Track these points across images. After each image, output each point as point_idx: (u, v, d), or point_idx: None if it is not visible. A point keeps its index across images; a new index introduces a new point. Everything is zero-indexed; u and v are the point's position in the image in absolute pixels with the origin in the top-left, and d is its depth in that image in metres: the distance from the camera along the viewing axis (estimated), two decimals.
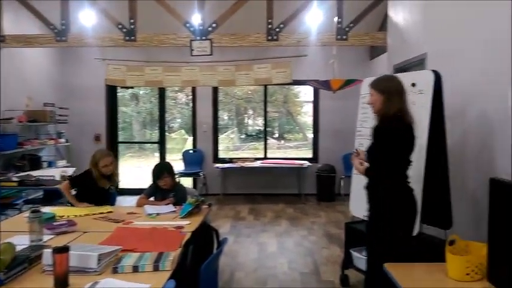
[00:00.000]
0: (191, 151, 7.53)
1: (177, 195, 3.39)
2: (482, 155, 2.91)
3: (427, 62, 3.89)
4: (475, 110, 3.00)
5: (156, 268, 1.96)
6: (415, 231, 2.74)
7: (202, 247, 2.28)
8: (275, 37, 5.35)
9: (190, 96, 7.67)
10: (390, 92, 2.48)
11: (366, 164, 2.60)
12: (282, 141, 11.77)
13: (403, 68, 4.53)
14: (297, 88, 9.73)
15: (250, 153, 9.81)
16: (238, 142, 12.24)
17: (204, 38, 5.40)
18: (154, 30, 5.65)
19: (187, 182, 7.38)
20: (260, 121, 7.98)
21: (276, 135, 12.22)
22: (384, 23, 5.66)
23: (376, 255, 2.54)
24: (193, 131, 7.54)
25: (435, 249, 2.19)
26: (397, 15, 4.75)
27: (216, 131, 7.50)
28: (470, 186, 3.08)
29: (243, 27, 5.52)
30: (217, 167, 6.97)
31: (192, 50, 5.40)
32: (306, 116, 9.56)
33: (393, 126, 2.44)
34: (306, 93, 8.93)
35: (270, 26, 5.34)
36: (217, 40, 5.50)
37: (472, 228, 2.94)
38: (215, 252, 2.27)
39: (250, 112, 12.64)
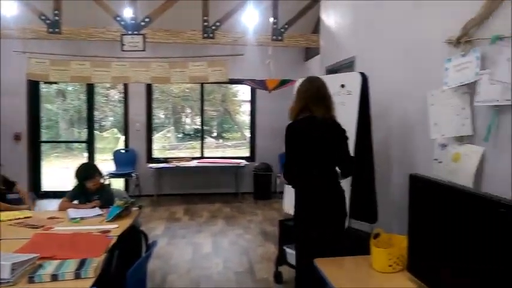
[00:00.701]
0: (123, 151, 7.20)
1: (102, 197, 3.20)
2: (405, 152, 3.10)
3: (356, 64, 4.08)
4: (398, 110, 3.19)
5: (77, 276, 1.85)
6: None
7: (129, 252, 2.17)
8: (211, 35, 5.31)
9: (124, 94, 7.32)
10: (297, 92, 2.62)
11: None
12: (221, 140, 11.71)
13: (335, 69, 4.70)
14: (236, 87, 9.73)
15: (187, 153, 9.63)
16: (175, 141, 11.95)
17: (136, 33, 5.19)
18: (82, 23, 5.33)
19: (118, 184, 7.05)
20: (198, 120, 7.86)
21: (215, 134, 12.12)
22: (317, 26, 5.84)
23: (303, 251, 2.59)
24: (125, 129, 7.21)
25: (362, 243, 2.28)
26: (329, 18, 4.92)
27: (150, 129, 7.24)
28: (394, 181, 3.27)
29: (178, 23, 5.40)
30: (151, 167, 6.72)
31: (123, 45, 5.17)
32: (245, 115, 9.59)
33: (297, 125, 2.53)
34: (244, 92, 8.96)
35: (205, 24, 5.28)
36: (151, 36, 5.33)
37: (396, 221, 3.12)
38: (143, 256, 2.17)
39: (188, 111, 12.40)
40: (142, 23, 5.23)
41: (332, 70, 4.76)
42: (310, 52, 6.76)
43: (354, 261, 2.29)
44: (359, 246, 2.31)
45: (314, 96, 2.53)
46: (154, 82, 5.94)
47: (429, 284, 1.89)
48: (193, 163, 6.93)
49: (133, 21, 5.21)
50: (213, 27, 5.30)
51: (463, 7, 2.29)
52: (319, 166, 2.52)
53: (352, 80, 3.13)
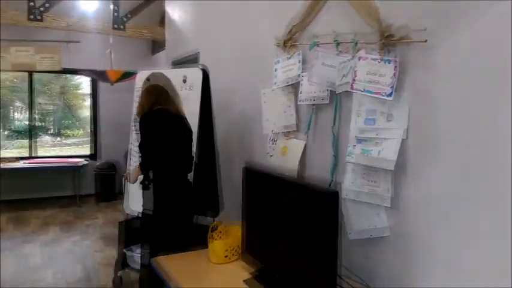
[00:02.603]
0: None
1: None
2: (244, 146, 3.26)
3: (200, 59, 4.11)
4: (238, 105, 3.33)
5: None
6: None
7: None
8: (39, 17, 4.64)
9: None
10: (144, 89, 2.63)
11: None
12: (59, 138, 10.49)
13: (180, 62, 4.65)
14: (78, 79, 8.80)
15: (17, 153, 8.32)
16: (2, 139, 10.22)
17: None
18: None
19: None
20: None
21: (52, 131, 10.78)
22: (164, 18, 5.70)
23: (150, 250, 2.51)
24: None
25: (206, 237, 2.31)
26: (174, 11, 4.85)
27: None
28: (236, 174, 3.41)
29: None
30: None
31: None
32: (89, 110, 8.77)
33: (152, 119, 2.50)
34: (89, 84, 8.18)
35: (32, 4, 4.59)
36: None
37: (238, 212, 3.25)
38: None
39: (18, 104, 10.73)
40: None
41: (177, 63, 4.71)
42: (158, 45, 6.57)
43: (193, 256, 2.30)
44: (202, 240, 2.33)
45: (163, 91, 2.58)
46: None
47: (259, 269, 2.01)
48: (20, 164, 5.99)
49: None
50: (41, 9, 4.65)
51: (291, 11, 2.50)
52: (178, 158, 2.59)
53: (194, 75, 3.14)
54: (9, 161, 6.02)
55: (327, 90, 2.18)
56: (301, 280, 1.70)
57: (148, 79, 2.62)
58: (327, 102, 2.19)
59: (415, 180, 1.73)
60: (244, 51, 3.22)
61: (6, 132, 10.48)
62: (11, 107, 10.85)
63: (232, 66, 3.40)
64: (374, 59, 1.85)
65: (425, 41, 1.66)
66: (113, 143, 6.81)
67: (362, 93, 1.85)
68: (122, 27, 5.14)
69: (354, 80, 1.90)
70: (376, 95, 1.80)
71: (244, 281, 1.95)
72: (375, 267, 1.94)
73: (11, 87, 10.01)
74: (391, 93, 1.75)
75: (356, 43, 1.98)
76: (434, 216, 1.65)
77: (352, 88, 1.90)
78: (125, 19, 5.16)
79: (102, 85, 6.66)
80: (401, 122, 1.76)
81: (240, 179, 3.26)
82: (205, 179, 3.10)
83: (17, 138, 10.20)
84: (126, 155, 6.38)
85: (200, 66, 3.20)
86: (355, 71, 1.91)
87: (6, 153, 8.44)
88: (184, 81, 3.18)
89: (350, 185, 1.97)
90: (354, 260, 2.06)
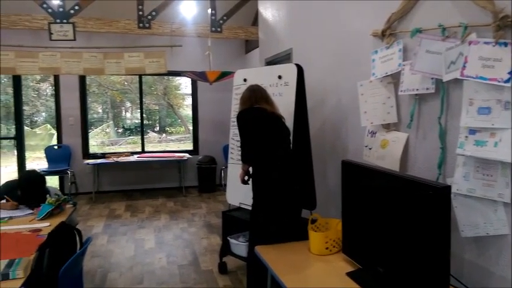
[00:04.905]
0: (56, 147, 6.78)
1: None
2: (339, 140, 3.24)
3: (293, 56, 4.17)
4: (332, 99, 3.31)
5: (5, 277, 1.79)
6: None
7: (62, 250, 2.07)
8: (147, 25, 5.14)
9: None
10: (241, 99, 2.85)
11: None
12: (164, 135, 11.46)
13: (273, 61, 4.77)
14: (178, 80, 9.51)
15: (129, 148, 9.33)
16: (115, 136, 11.52)
17: (65, 21, 4.88)
18: (4, 10, 4.91)
19: (53, 182, 6.65)
20: (139, 114, 7.59)
21: (157, 128, 11.81)
22: (256, 18, 5.88)
23: (257, 240, 2.64)
24: (57, 124, 6.78)
25: (304, 229, 2.37)
26: (267, 11, 4.97)
27: (85, 124, 6.87)
28: (330, 168, 3.41)
29: (111, 12, 5.16)
30: (88, 163, 6.41)
31: (51, 33, 4.85)
32: (188, 109, 9.44)
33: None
34: (187, 85, 8.81)
35: (141, 13, 5.09)
36: (82, 24, 5.05)
37: (333, 206, 3.27)
38: (76, 253, 2.08)
39: (128, 104, 11.96)
40: (72, 11, 4.93)
41: (271, 62, 4.82)
42: (250, 44, 6.80)
43: (293, 246, 2.37)
44: (303, 232, 2.39)
45: (263, 91, 2.80)
46: (87, 73, 5.62)
47: (362, 263, 2.01)
48: (134, 158, 6.71)
49: (61, 9, 4.89)
50: (149, 17, 5.13)
51: (387, 1, 2.42)
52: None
53: (289, 72, 3.20)
54: (125, 155, 6.76)
55: (432, 78, 2.07)
56: (409, 278, 1.65)
57: (244, 91, 2.81)
58: (433, 91, 2.08)
59: None
60: (338, 45, 3.18)
61: (119, 130, 11.79)
62: (123, 107, 12.16)
63: (326, 62, 3.38)
64: (487, 43, 1.71)
65: None
66: (211, 139, 7.25)
67: (474, 80, 1.73)
68: (219, 29, 5.42)
69: (464, 66, 1.78)
70: (491, 82, 1.67)
71: (347, 273, 1.96)
72: (489, 266, 1.81)
73: (122, 90, 11.23)
74: (509, 79, 1.61)
75: (465, 27, 1.84)
76: None
77: (462, 75, 1.78)
78: (221, 21, 5.44)
79: (200, 85, 7.11)
80: None
81: (334, 173, 3.27)
82: (301, 173, 3.15)
83: (129, 135, 11.41)
84: (225, 150, 6.76)
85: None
86: (466, 57, 1.78)
87: (120, 149, 9.52)
88: (280, 77, 3.26)
89: (461, 179, 1.85)
90: (465, 259, 1.94)
